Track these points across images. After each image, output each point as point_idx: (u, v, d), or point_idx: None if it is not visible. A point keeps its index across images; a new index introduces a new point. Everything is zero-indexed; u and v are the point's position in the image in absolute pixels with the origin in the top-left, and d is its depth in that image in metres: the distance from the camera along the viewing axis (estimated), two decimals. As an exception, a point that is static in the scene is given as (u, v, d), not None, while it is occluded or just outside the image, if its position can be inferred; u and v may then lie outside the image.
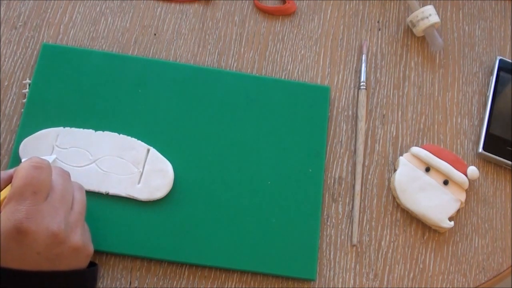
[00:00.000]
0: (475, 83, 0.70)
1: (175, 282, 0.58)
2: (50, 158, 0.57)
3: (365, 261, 0.61)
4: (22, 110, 0.61)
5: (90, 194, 0.58)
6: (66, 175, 0.53)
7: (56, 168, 0.52)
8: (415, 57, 0.70)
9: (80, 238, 0.50)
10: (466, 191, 0.64)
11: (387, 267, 0.61)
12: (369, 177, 0.64)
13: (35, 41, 0.65)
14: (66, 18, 0.66)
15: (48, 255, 0.48)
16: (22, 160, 0.58)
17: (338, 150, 0.65)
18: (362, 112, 0.66)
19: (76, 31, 0.66)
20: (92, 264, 0.53)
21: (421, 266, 0.61)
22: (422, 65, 0.70)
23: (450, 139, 0.67)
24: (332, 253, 0.60)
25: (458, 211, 0.63)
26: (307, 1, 0.71)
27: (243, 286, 0.58)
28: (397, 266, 0.61)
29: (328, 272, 0.60)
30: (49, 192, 0.49)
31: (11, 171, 0.51)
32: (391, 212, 0.63)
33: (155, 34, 0.67)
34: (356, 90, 0.68)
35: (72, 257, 0.50)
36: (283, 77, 0.67)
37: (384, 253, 0.61)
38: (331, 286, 0.59)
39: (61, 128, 0.60)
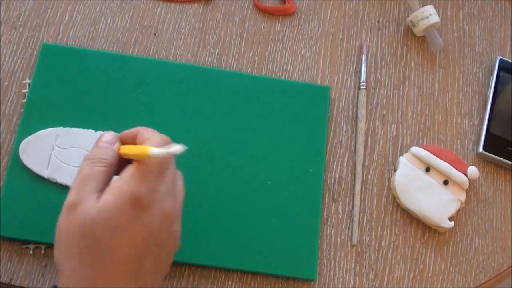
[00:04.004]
0: (475, 83, 0.70)
1: (175, 282, 0.58)
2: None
3: (365, 261, 0.61)
4: (22, 110, 0.61)
5: (90, 194, 0.58)
6: (173, 160, 0.51)
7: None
8: (415, 57, 0.70)
9: (179, 227, 0.49)
10: (466, 191, 0.64)
11: (387, 267, 0.61)
12: (369, 177, 0.64)
13: (35, 41, 0.65)
14: (66, 18, 0.66)
15: (157, 238, 0.47)
16: (23, 160, 0.58)
17: (338, 150, 0.65)
18: (362, 112, 0.66)
19: (76, 31, 0.66)
20: None
21: (421, 266, 0.61)
22: (422, 65, 0.70)
23: (450, 139, 0.67)
24: (332, 253, 0.60)
25: (458, 211, 0.63)
26: (307, 1, 0.71)
27: (243, 286, 0.58)
28: (397, 266, 0.61)
29: (328, 272, 0.60)
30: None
31: (133, 131, 0.50)
32: (391, 212, 0.63)
33: (155, 34, 0.67)
34: (356, 90, 0.68)
35: (172, 247, 0.49)
36: (283, 77, 0.67)
37: (384, 253, 0.61)
38: (331, 286, 0.59)
39: (61, 128, 0.60)
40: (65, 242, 0.46)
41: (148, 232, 0.46)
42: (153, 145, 0.47)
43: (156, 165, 0.46)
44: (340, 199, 0.63)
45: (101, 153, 0.49)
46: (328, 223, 0.62)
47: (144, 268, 0.47)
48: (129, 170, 0.47)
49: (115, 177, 0.49)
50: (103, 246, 0.45)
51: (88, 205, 0.46)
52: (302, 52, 0.69)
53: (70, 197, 0.47)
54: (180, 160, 0.60)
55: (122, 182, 0.46)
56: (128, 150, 0.48)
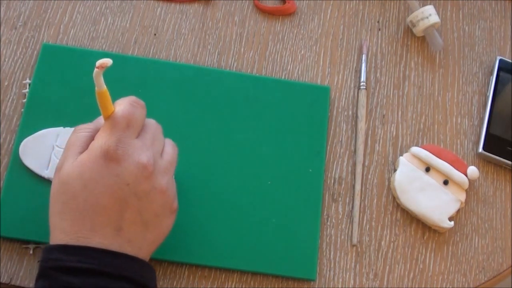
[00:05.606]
0: (475, 83, 0.70)
1: (175, 282, 0.58)
2: None
3: (365, 261, 0.61)
4: (22, 110, 0.61)
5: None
6: (159, 127, 0.53)
7: (151, 120, 0.53)
8: (415, 57, 0.70)
9: (167, 184, 0.50)
10: (466, 191, 0.64)
11: (387, 267, 0.61)
12: (369, 177, 0.64)
13: (35, 41, 0.65)
14: (66, 18, 0.66)
15: (136, 190, 0.48)
16: (23, 160, 0.58)
17: (338, 150, 0.65)
18: (362, 112, 0.66)
19: (76, 31, 0.66)
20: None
21: (421, 266, 0.61)
22: (422, 65, 0.70)
23: (450, 139, 0.67)
24: (332, 253, 0.61)
25: (458, 211, 0.63)
26: (307, 1, 0.71)
27: (243, 286, 0.58)
28: (397, 266, 0.61)
29: (328, 272, 0.60)
30: (141, 132, 0.50)
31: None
32: (391, 212, 0.63)
33: (155, 34, 0.67)
34: (356, 90, 0.68)
35: (159, 203, 0.49)
36: (283, 77, 0.67)
37: (384, 253, 0.61)
38: (331, 286, 0.59)
39: (61, 128, 0.60)
40: (51, 201, 0.49)
41: (123, 183, 0.47)
42: (120, 104, 0.50)
43: (122, 118, 0.48)
44: (340, 199, 0.63)
45: (86, 124, 0.52)
46: (328, 223, 0.62)
47: (126, 220, 0.48)
48: (101, 129, 0.49)
49: None
50: (79, 198, 0.47)
51: (67, 164, 0.48)
52: (302, 52, 0.69)
53: (58, 163, 0.50)
54: (180, 160, 0.60)
55: (94, 140, 0.49)
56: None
